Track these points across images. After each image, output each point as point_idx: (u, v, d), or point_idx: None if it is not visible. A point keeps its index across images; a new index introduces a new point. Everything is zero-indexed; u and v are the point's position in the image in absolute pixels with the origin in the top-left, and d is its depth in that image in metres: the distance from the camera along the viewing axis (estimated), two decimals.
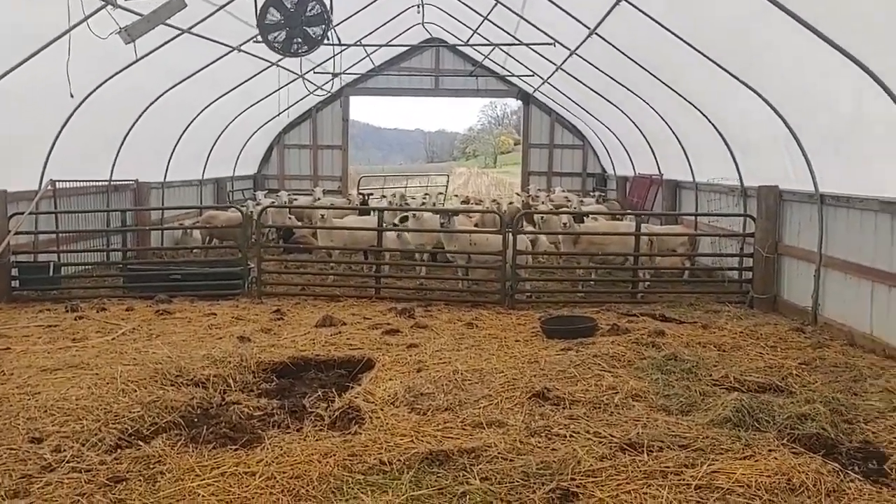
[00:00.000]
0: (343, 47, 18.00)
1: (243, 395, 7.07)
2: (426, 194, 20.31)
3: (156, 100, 14.57)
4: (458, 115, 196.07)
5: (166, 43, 12.53)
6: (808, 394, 6.81)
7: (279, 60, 17.11)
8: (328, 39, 10.47)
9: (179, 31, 12.39)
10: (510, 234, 11.12)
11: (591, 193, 22.36)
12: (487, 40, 17.87)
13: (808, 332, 9.37)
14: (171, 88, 14.68)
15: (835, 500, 4.89)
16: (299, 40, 9.84)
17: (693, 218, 14.51)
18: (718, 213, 12.90)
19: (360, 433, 5.99)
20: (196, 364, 7.56)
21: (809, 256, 10.15)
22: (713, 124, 12.40)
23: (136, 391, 6.69)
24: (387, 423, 6.16)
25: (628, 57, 12.84)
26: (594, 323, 9.10)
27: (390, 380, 7.28)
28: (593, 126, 21.68)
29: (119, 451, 5.60)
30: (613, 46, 12.76)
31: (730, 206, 12.99)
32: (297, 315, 10.22)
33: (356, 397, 6.77)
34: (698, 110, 12.50)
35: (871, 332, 8.65)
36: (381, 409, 6.48)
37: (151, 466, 5.33)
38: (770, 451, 5.61)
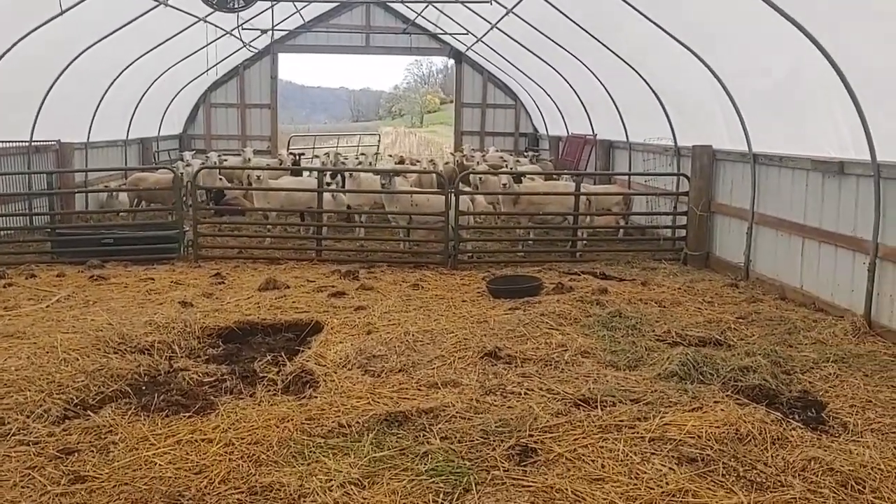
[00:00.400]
0: (274, 2, 17.53)
1: (191, 362, 6.92)
2: (361, 153, 20.04)
3: (78, 56, 13.89)
4: (384, 73, 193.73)
5: None
6: (747, 347, 7.08)
7: (208, 15, 16.53)
8: None
9: None
10: (452, 195, 11.11)
11: (525, 153, 22.46)
12: None
13: (741, 287, 9.71)
14: (94, 44, 14.00)
15: (780, 447, 5.10)
16: None
17: (627, 178, 14.77)
18: (653, 172, 13.17)
19: (316, 397, 5.95)
20: (138, 330, 7.36)
21: (742, 214, 10.47)
22: (648, 84, 12.58)
23: (78, 360, 6.46)
24: (341, 386, 6.13)
25: (565, 15, 12.86)
26: (539, 282, 9.23)
27: (341, 342, 7.24)
28: (526, 86, 21.72)
29: (67, 421, 5.42)
30: (551, 4, 12.75)
31: (664, 166, 13.27)
32: (238, 278, 10.03)
33: (308, 361, 6.72)
34: (633, 69, 12.65)
35: (802, 286, 9.03)
36: (335, 373, 6.45)
37: (103, 437, 5.20)
38: (716, 402, 5.82)
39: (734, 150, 10.68)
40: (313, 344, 7.31)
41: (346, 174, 13.09)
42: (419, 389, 6.11)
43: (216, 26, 17.66)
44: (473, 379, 6.29)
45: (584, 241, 12.41)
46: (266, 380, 6.37)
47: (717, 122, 10.91)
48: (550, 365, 6.64)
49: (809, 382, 6.36)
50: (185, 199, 11.75)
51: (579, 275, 10.35)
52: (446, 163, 18.61)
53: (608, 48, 12.79)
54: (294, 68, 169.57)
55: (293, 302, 8.69)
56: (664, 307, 8.58)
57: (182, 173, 14.69)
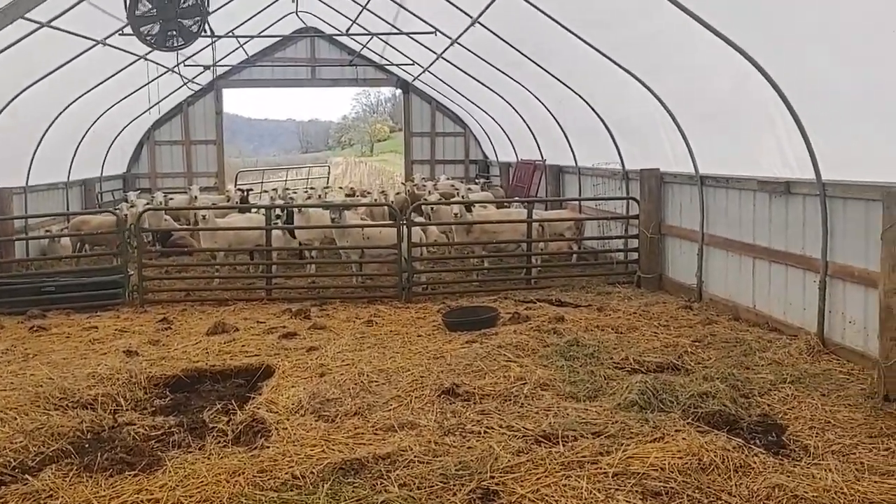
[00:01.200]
0: (216, 39, 17.33)
1: (136, 415, 6.63)
2: (311, 187, 19.82)
3: (13, 99, 13.48)
4: (332, 103, 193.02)
5: (25, 37, 11.60)
6: (704, 371, 7.05)
7: (147, 53, 16.25)
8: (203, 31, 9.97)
9: (39, 25, 11.50)
10: (404, 227, 10.98)
11: (476, 180, 22.50)
12: (366, 30, 17.57)
13: (695, 309, 9.74)
14: (30, 86, 13.62)
15: (743, 475, 5.05)
16: (174, 33, 9.31)
17: (578, 203, 14.82)
18: (603, 197, 13.23)
19: (268, 447, 5.73)
20: (81, 384, 7.05)
21: (692, 236, 10.54)
22: (593, 109, 12.67)
23: (16, 419, 6.15)
24: (294, 434, 5.92)
25: (510, 45, 12.91)
26: (496, 313, 9.12)
27: (293, 387, 7.02)
28: (474, 113, 21.80)
29: (3, 488, 5.11)
30: (496, 35, 12.79)
31: (613, 191, 13.35)
32: (186, 323, 9.73)
33: (259, 408, 6.49)
34: (578, 95, 12.73)
35: (755, 306, 9.08)
36: (287, 419, 6.23)
37: (42, 502, 4.90)
38: (677, 430, 5.75)
39: (681, 173, 10.77)
40: (264, 390, 7.07)
41: (295, 209, 12.85)
42: (375, 433, 5.93)
43: (157, 64, 17.38)
44: (431, 419, 6.12)
45: (539, 268, 12.36)
46: (216, 430, 6.11)
47: (663, 146, 11.00)
48: (510, 400, 6.52)
49: (768, 405, 6.34)
50: (129, 241, 11.40)
51: (535, 303, 10.28)
52: (397, 193, 18.50)
53: (552, 75, 12.87)
54: (240, 102, 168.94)
55: (243, 346, 8.44)
56: (621, 333, 8.54)
57: (126, 214, 14.35)
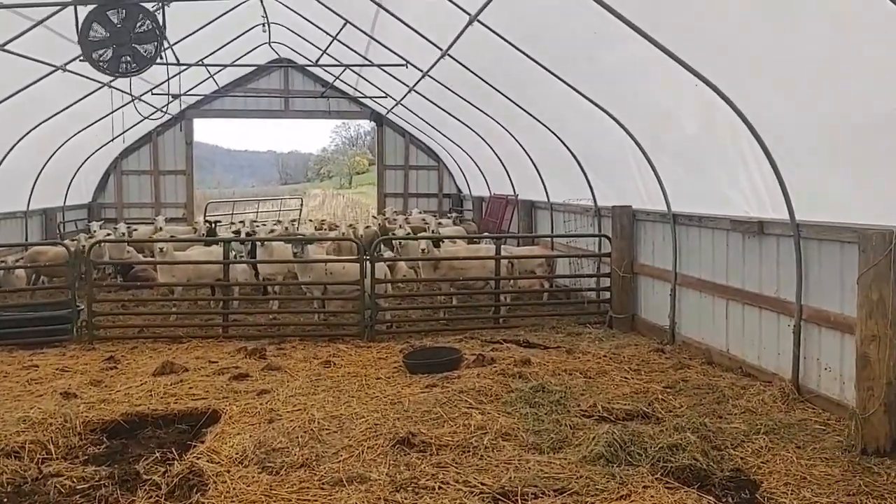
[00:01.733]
0: (183, 67, 16.98)
1: (66, 464, 6.13)
2: (277, 220, 19.38)
3: None
4: (311, 135, 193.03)
5: None
6: (675, 420, 6.68)
7: (111, 81, 15.82)
8: (163, 58, 9.60)
9: None
10: (367, 262, 10.58)
11: (448, 214, 22.21)
12: (338, 61, 17.31)
13: (668, 352, 9.40)
14: None
15: None
16: (128, 58, 8.93)
17: (549, 239, 14.52)
18: (575, 234, 12.94)
19: (203, 502, 5.27)
20: (9, 429, 6.58)
21: (665, 275, 10.25)
22: (565, 143, 12.42)
23: None
24: (234, 489, 5.47)
25: (481, 78, 12.68)
26: (459, 354, 8.71)
27: (238, 434, 6.57)
28: (447, 147, 21.56)
29: None
30: (466, 68, 12.55)
31: (585, 227, 13.06)
32: (134, 362, 9.22)
33: (199, 458, 6.03)
34: (551, 131, 12.50)
35: (728, 349, 8.76)
36: (228, 471, 5.77)
37: None
38: (645, 487, 5.39)
39: (654, 210, 10.51)
40: (208, 437, 6.61)
41: (258, 243, 12.41)
42: (322, 488, 5.49)
43: (122, 91, 16.95)
44: (383, 472, 5.70)
45: (508, 307, 11.98)
46: (149, 484, 5.63)
47: (635, 182, 10.74)
48: (469, 451, 6.10)
49: (741, 458, 5.98)
50: (82, 274, 10.89)
51: (502, 343, 9.89)
52: (367, 227, 18.10)
53: (524, 109, 12.63)
54: (219, 133, 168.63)
55: (190, 388, 7.95)
56: (590, 378, 8.17)
57: (83, 246, 13.88)
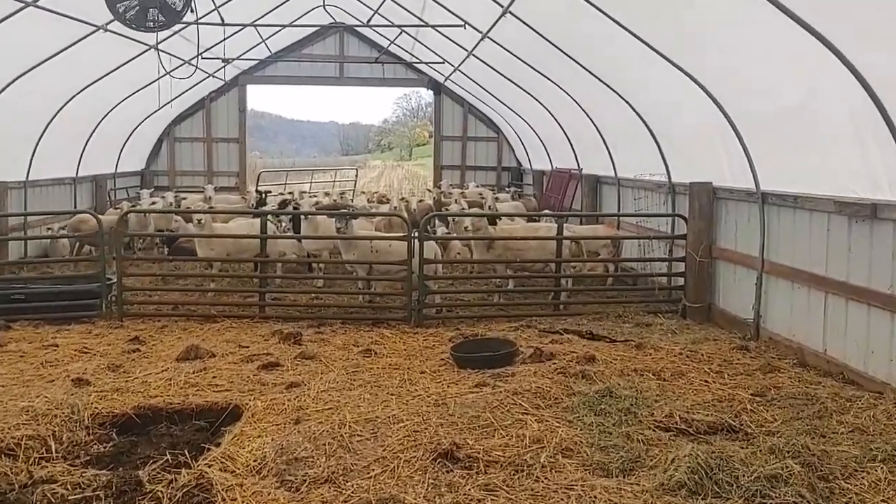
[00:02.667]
0: (234, 30, 16.25)
1: (64, 466, 5.37)
2: (326, 192, 18.56)
3: (6, 87, 12.46)
4: (373, 106, 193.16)
5: (9, 17, 10.56)
6: (769, 439, 5.59)
7: (160, 42, 15.19)
8: (194, 15, 8.78)
9: (23, 4, 10.43)
10: (416, 240, 9.65)
11: (507, 189, 21.13)
12: (391, 22, 16.31)
13: (752, 350, 8.24)
14: (24, 74, 12.59)
15: None
16: (155, 11, 8.13)
17: (615, 218, 13.37)
18: (646, 213, 11.73)
19: None
20: (9, 421, 5.87)
21: (749, 262, 9.08)
22: (638, 113, 11.25)
23: None
24: None
25: (545, 38, 11.55)
26: (513, 348, 7.72)
27: (259, 436, 5.75)
28: (508, 117, 20.43)
29: None
30: (529, 26, 11.44)
31: (658, 205, 11.87)
32: (160, 343, 8.50)
33: (211, 465, 5.22)
34: (619, 95, 11.33)
35: (825, 350, 7.58)
36: (241, 485, 4.95)
37: None
38: None
39: (738, 188, 9.31)
40: (225, 438, 5.80)
41: (302, 216, 11.58)
42: None
43: (170, 55, 16.31)
44: (420, 495, 4.80)
45: (569, 292, 10.91)
46: (149, 497, 4.84)
47: (717, 156, 9.56)
48: (522, 471, 5.15)
49: (857, 494, 4.88)
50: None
51: (562, 334, 8.86)
52: (420, 200, 17.15)
53: (589, 72, 11.47)
54: (282, 102, 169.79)
55: (214, 377, 7.15)
56: (664, 380, 7.09)
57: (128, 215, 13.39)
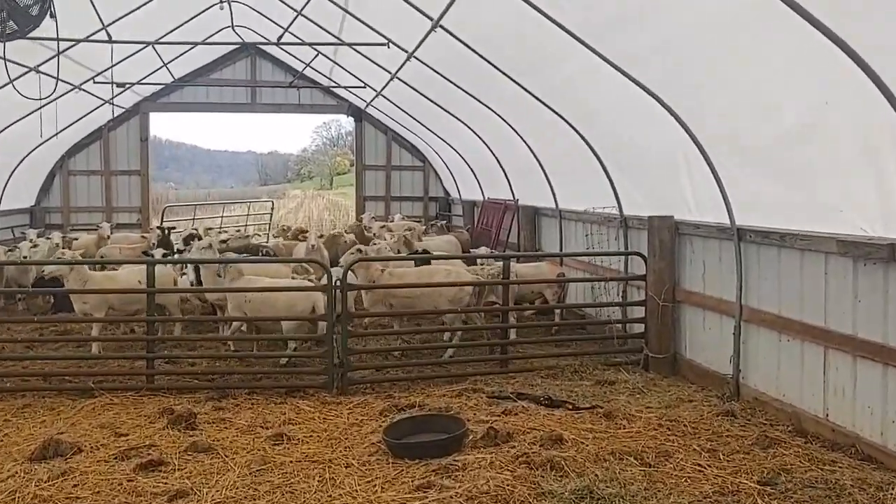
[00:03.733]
0: (130, 51, 14.58)
1: None
2: (217, 228, 16.75)
3: None
4: (292, 135, 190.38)
5: None
6: None
7: (39, 65, 13.36)
8: (55, 22, 7.12)
9: None
10: (337, 291, 8.13)
11: (436, 221, 19.79)
12: (303, 41, 14.76)
13: (739, 415, 6.98)
14: None
15: None
16: (4, 15, 6.46)
17: (560, 257, 12.14)
18: (601, 251, 10.44)
19: None
20: None
21: (722, 307, 7.92)
22: (582, 135, 10.07)
23: None
24: None
25: (479, 55, 10.26)
26: (462, 429, 6.24)
27: None
28: (435, 145, 19.13)
29: None
30: (462, 41, 10.13)
31: (608, 241, 10.67)
32: (14, 433, 6.68)
33: None
34: (560, 116, 10.13)
35: (828, 416, 6.40)
36: None
37: None
38: None
39: (706, 223, 8.16)
40: None
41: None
42: None
43: (53, 77, 14.38)
44: None
45: (514, 347, 9.49)
46: None
47: (680, 186, 8.42)
48: None
49: None
50: None
51: (515, 400, 7.43)
52: (340, 234, 15.49)
53: (528, 91, 10.24)
54: (198, 133, 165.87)
55: (74, 486, 5.43)
56: (649, 466, 5.74)
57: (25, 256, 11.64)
